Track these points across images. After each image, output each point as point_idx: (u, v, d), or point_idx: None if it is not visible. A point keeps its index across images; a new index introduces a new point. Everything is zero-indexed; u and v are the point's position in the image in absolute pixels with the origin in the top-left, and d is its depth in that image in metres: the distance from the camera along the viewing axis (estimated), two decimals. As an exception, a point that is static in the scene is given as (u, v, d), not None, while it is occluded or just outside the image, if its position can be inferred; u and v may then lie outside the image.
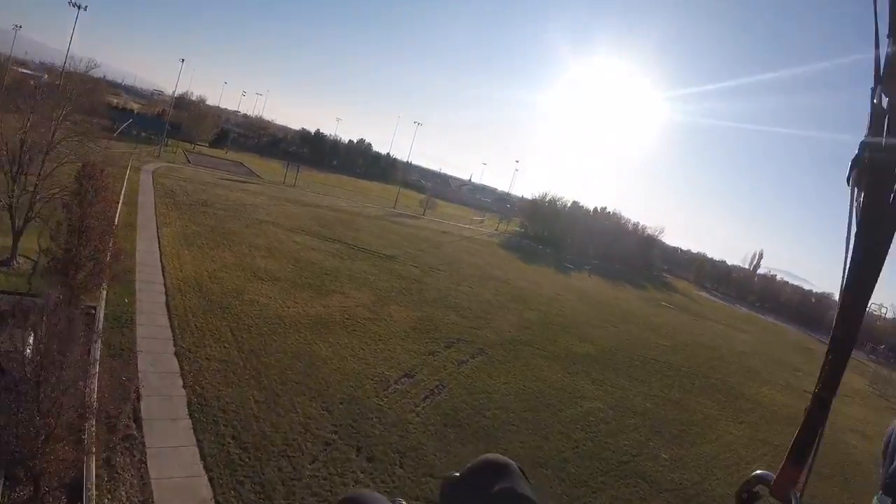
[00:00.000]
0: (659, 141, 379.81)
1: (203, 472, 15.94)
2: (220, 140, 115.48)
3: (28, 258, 26.14)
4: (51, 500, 13.77)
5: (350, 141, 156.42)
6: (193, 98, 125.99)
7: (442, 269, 50.25)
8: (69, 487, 14.13)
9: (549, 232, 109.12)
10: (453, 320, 34.90)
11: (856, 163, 1.44)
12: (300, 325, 27.37)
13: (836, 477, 26.76)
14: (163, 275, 29.72)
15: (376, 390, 22.58)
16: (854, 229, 1.43)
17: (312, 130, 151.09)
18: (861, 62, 1.57)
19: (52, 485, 13.88)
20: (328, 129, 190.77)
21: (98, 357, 19.57)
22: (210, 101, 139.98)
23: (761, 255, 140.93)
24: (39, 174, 26.01)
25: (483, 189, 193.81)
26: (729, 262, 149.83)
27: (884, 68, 1.42)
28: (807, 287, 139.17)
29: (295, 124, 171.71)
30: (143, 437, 16.79)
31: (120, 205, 38.93)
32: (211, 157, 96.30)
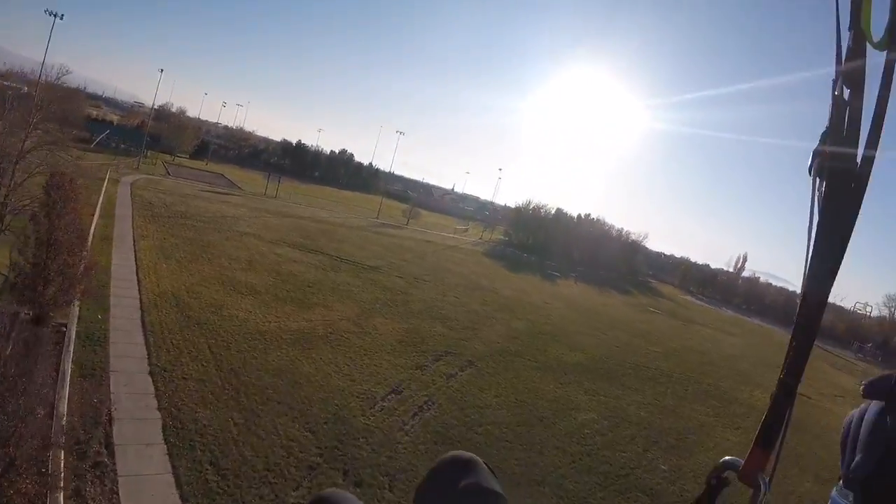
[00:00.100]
0: (640, 148, 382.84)
1: (179, 501, 14.83)
2: (200, 152, 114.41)
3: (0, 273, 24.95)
4: (11, 539, 12.64)
5: (332, 152, 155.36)
6: (174, 109, 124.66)
7: (427, 280, 49.35)
8: (32, 524, 13.03)
9: (534, 239, 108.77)
10: (440, 332, 33.97)
11: (817, 153, 1.50)
12: (282, 341, 26.30)
13: (835, 480, 26.06)
14: (139, 289, 28.51)
15: (362, 408, 21.52)
16: (816, 218, 1.48)
17: (294, 141, 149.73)
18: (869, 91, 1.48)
19: (12, 522, 12.77)
20: (310, 140, 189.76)
21: (68, 378, 18.49)
22: (190, 113, 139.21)
23: (745, 257, 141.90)
24: (10, 185, 24.78)
25: (466, 198, 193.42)
26: (713, 266, 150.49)
27: (844, 60, 1.48)
28: (790, 288, 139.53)
29: (276, 135, 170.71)
30: (114, 464, 15.61)
31: (96, 217, 38.22)
32: (191, 168, 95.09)
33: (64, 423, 15.98)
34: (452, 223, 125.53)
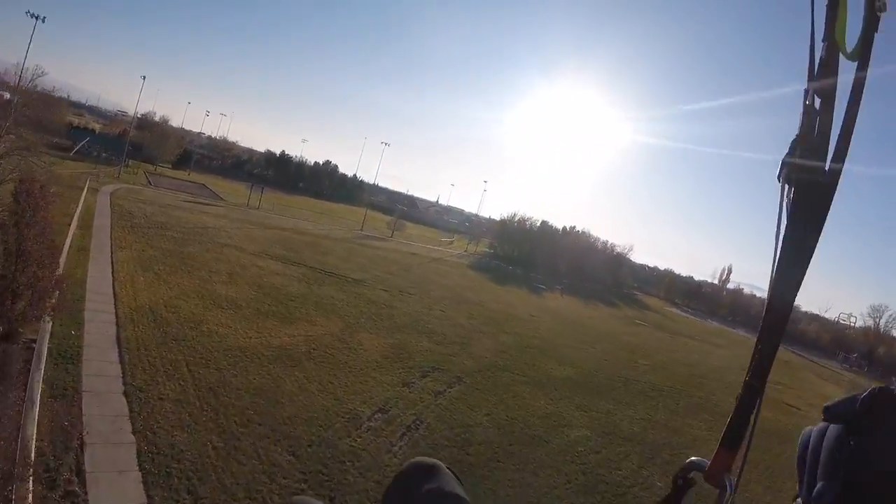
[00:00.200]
0: (624, 162, 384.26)
1: (153, 535, 13.90)
2: (182, 161, 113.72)
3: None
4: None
5: (316, 163, 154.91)
6: (157, 118, 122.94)
7: (413, 293, 48.51)
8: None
9: (519, 252, 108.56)
10: (427, 347, 33.10)
11: (786, 161, 1.52)
12: (263, 358, 25.27)
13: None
14: (115, 304, 27.29)
15: (348, 429, 20.57)
16: (784, 225, 1.52)
17: (277, 152, 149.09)
18: (839, 102, 1.53)
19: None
20: (294, 151, 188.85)
21: (37, 399, 17.39)
22: (174, 122, 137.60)
23: (730, 269, 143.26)
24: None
25: (450, 210, 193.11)
26: (697, 278, 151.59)
27: (817, 70, 1.52)
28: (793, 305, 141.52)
29: (260, 146, 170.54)
30: (86, 493, 14.57)
31: (73, 227, 37.08)
32: (173, 178, 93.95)
33: (32, 448, 15.00)
34: (437, 235, 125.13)
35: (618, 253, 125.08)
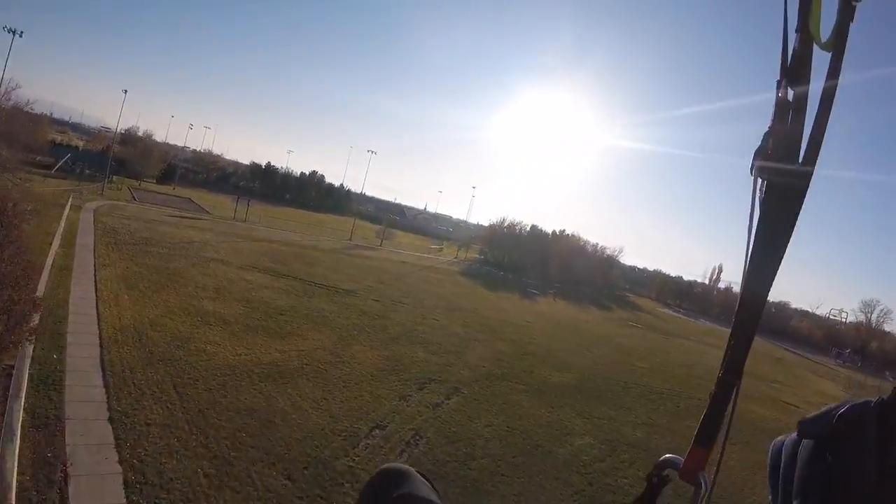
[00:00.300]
0: (611, 165, 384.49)
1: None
2: (167, 176, 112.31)
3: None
4: None
5: (302, 173, 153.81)
6: (140, 133, 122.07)
7: (405, 302, 47.76)
8: None
9: (509, 257, 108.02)
10: (423, 357, 32.32)
11: (759, 153, 1.52)
12: (254, 375, 24.36)
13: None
14: (98, 324, 26.24)
15: (345, 448, 19.70)
16: (756, 218, 1.51)
17: (263, 164, 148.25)
18: (813, 94, 1.52)
19: None
20: (279, 162, 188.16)
21: (17, 430, 16.44)
22: (158, 136, 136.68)
23: (721, 269, 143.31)
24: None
25: (438, 217, 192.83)
26: (687, 278, 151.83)
27: (790, 62, 1.51)
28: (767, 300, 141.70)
29: (245, 158, 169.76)
30: (69, 529, 13.75)
31: (55, 246, 36.27)
32: (157, 193, 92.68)
33: (13, 483, 14.08)
34: (427, 243, 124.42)
35: (608, 255, 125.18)
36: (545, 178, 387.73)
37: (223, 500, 15.49)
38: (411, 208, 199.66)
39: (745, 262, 1.52)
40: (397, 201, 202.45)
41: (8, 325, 18.79)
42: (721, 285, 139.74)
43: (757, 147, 1.51)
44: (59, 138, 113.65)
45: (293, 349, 28.81)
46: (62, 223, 44.06)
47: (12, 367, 19.56)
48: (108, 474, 15.85)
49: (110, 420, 18.38)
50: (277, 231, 78.85)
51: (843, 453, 1.21)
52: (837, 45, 1.45)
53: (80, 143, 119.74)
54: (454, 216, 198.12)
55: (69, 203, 54.59)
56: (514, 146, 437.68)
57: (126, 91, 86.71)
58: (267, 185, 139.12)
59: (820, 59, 1.47)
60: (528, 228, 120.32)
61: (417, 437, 21.72)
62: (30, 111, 71.84)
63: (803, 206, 1.46)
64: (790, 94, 1.49)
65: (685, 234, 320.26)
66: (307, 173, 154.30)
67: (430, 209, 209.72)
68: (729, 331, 1.65)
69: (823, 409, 1.32)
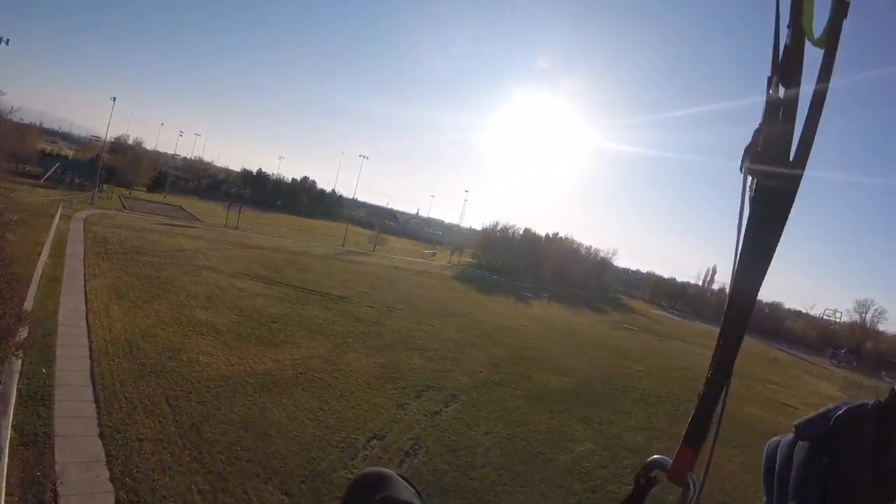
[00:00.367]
0: (603, 168, 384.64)
1: None
2: (158, 184, 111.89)
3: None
4: None
5: (293, 179, 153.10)
6: (130, 141, 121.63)
7: (399, 308, 47.29)
8: None
9: (503, 261, 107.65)
10: (419, 364, 31.84)
11: (749, 150, 1.50)
12: (248, 386, 23.83)
13: None
14: (88, 336, 25.63)
15: (343, 460, 19.20)
16: (746, 217, 1.48)
17: (254, 170, 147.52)
18: (805, 93, 1.50)
19: None
20: (270, 169, 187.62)
21: (6, 448, 15.86)
22: (148, 144, 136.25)
23: (714, 270, 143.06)
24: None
25: (430, 222, 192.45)
26: (680, 279, 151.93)
27: (781, 58, 1.48)
28: (761, 300, 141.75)
29: (236, 164, 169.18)
30: (59, 552, 13.23)
31: (45, 257, 35.63)
32: (148, 201, 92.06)
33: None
34: (420, 248, 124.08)
35: (602, 258, 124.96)
36: (538, 182, 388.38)
37: (218, 518, 15.01)
38: (403, 213, 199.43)
39: (735, 261, 1.50)
40: (389, 206, 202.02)
41: (-9, 342, 18.28)
42: (715, 286, 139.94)
43: (747, 144, 1.49)
44: (48, 148, 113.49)
45: (287, 358, 28.31)
46: (51, 233, 43.42)
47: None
48: (99, 493, 15.29)
49: (101, 436, 17.77)
50: (269, 237, 78.28)
51: (841, 455, 1.19)
52: (830, 43, 1.43)
53: (70, 153, 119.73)
54: (446, 220, 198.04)
55: (59, 213, 53.98)
56: (506, 149, 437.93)
57: (115, 99, 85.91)
58: (258, 191, 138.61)
59: (813, 58, 1.45)
60: (521, 232, 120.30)
61: (416, 447, 21.24)
62: (19, 121, 71.37)
63: (794, 207, 1.44)
64: (781, 91, 1.47)
65: (678, 236, 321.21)
66: (298, 179, 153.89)
67: (423, 213, 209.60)
68: (723, 332, 1.58)
69: (820, 410, 1.28)
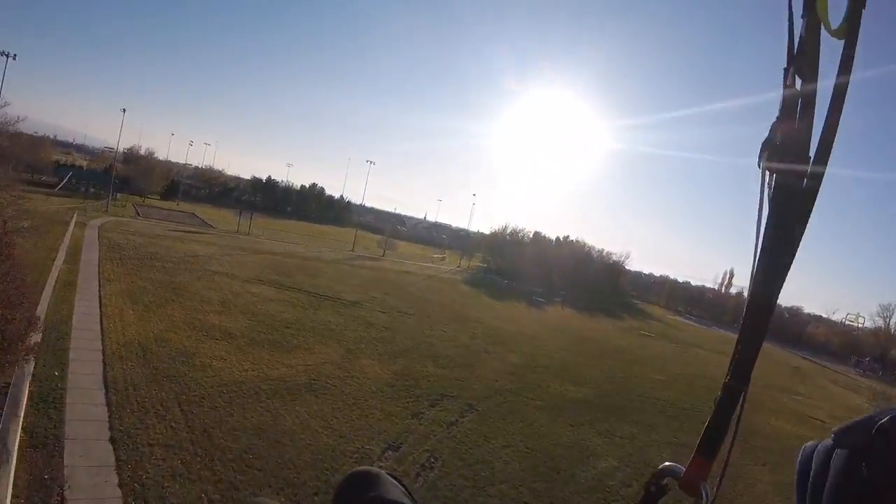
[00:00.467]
0: (614, 169, 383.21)
1: None
2: (170, 192, 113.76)
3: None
4: None
5: (302, 186, 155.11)
6: (142, 152, 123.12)
7: (411, 313, 46.61)
8: None
9: (513, 265, 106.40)
10: (433, 372, 31.07)
11: (766, 145, 1.43)
12: (260, 392, 23.17)
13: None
14: (102, 340, 25.28)
15: (358, 473, 18.47)
16: (766, 214, 1.42)
17: (264, 178, 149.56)
18: (821, 84, 1.42)
19: None
20: (280, 176, 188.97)
21: (14, 450, 15.21)
22: (159, 154, 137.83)
23: (732, 273, 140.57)
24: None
25: (438, 226, 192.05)
26: (695, 283, 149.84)
27: (797, 50, 1.43)
28: (782, 304, 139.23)
29: (246, 173, 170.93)
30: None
31: (60, 263, 36.02)
32: (161, 209, 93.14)
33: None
34: (429, 252, 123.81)
35: (615, 261, 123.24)
36: (546, 185, 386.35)
37: (228, 534, 14.28)
38: (411, 218, 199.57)
39: (754, 260, 1.40)
40: (397, 211, 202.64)
41: (1, 345, 17.70)
42: (732, 291, 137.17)
43: (764, 138, 1.41)
44: (62, 159, 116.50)
45: (300, 363, 27.68)
46: (66, 240, 43.98)
47: (9, 385, 18.51)
48: (107, 498, 14.68)
49: (112, 440, 17.25)
50: (280, 243, 78.25)
51: (883, 466, 1.11)
52: (850, 33, 1.34)
53: (84, 163, 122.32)
54: (454, 224, 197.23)
55: (73, 220, 54.59)
56: (514, 153, 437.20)
57: (125, 110, 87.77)
58: (268, 198, 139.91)
59: (833, 49, 1.36)
60: (531, 235, 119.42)
61: (433, 460, 20.37)
62: (33, 133, 72.74)
63: (815, 205, 1.36)
64: (798, 85, 1.40)
65: (692, 238, 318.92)
66: (307, 186, 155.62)
67: (431, 218, 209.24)
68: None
69: (860, 417, 1.18)
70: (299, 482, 17.17)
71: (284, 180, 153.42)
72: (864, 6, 1.34)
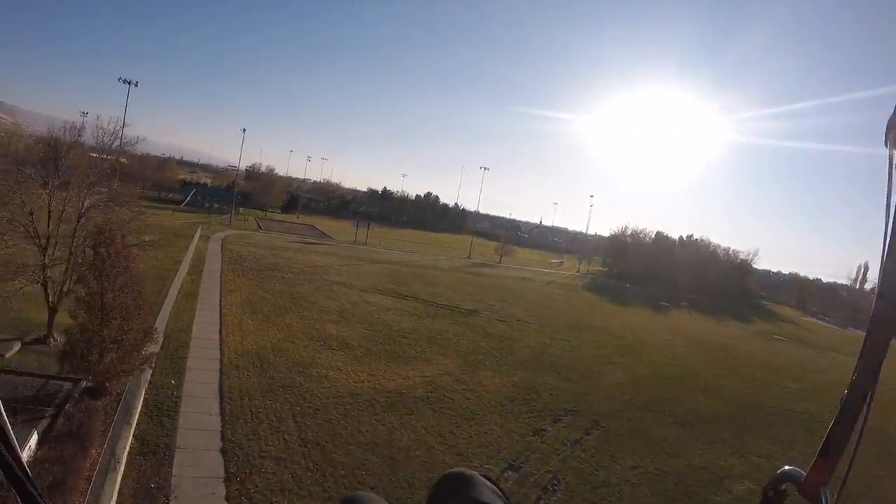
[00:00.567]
0: (735, 163, 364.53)
1: None
2: (290, 206, 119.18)
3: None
4: None
5: (417, 195, 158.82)
6: (263, 169, 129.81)
7: (530, 322, 45.55)
8: None
9: (635, 268, 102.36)
10: (555, 384, 29.90)
11: (893, 125, 1.31)
12: (376, 404, 23.08)
13: None
14: (220, 349, 26.32)
15: (476, 495, 17.73)
16: (895, 194, 1.29)
17: (379, 189, 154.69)
18: None
19: None
20: (395, 186, 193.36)
21: (123, 458, 15.64)
22: (279, 170, 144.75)
23: (867, 267, 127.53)
24: (72, 246, 22.96)
25: (554, 230, 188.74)
26: (826, 280, 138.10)
27: None
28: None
29: (361, 185, 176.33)
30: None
31: (183, 274, 38.42)
32: (282, 222, 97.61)
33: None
34: (545, 257, 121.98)
35: (742, 260, 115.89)
36: (664, 182, 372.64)
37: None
38: (526, 223, 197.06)
39: (883, 250, 1.25)
40: (512, 217, 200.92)
41: (118, 355, 18.47)
42: (867, 286, 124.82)
43: (889, 117, 1.28)
44: (188, 177, 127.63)
45: (417, 375, 27.47)
46: (190, 252, 46.50)
47: (122, 393, 19.18)
48: (212, 513, 14.79)
49: (222, 451, 17.51)
50: (397, 252, 79.52)
51: None
52: None
53: (208, 181, 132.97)
54: (570, 228, 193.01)
55: (198, 234, 58.08)
56: (630, 153, 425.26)
57: (244, 130, 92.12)
58: (384, 208, 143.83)
59: None
60: (652, 236, 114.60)
61: (555, 482, 19.35)
62: (160, 155, 78.81)
63: None
64: None
65: (820, 232, 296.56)
66: (422, 195, 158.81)
67: (546, 222, 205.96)
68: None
69: None
70: (414, 502, 16.68)
71: (400, 190, 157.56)
72: None
